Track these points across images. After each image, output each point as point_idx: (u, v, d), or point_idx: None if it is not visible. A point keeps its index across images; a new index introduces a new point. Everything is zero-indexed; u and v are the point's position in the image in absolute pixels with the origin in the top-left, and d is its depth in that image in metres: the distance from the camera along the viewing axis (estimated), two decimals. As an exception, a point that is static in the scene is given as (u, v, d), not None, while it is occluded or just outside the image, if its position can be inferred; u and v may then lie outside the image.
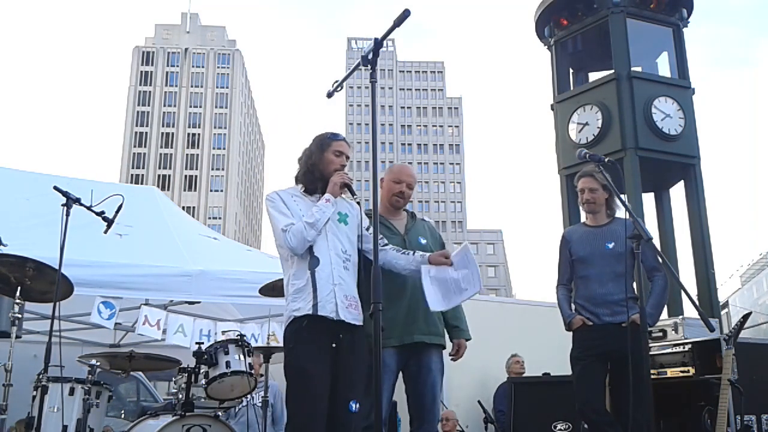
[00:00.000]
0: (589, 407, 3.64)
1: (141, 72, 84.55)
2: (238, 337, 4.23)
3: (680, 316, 4.98)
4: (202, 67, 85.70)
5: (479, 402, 6.13)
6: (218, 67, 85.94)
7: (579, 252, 3.85)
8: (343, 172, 3.03)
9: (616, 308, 3.67)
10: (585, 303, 3.79)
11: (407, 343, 3.36)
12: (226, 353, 4.06)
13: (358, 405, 2.82)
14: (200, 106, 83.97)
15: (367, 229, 3.04)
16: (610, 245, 3.74)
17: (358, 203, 3.07)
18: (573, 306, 3.89)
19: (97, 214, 3.73)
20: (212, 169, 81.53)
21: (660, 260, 3.66)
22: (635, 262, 3.60)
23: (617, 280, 3.71)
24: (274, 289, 4.46)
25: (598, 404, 3.63)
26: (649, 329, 4.33)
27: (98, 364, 4.26)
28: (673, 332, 4.56)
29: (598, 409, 3.62)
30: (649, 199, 6.91)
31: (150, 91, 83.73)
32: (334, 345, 2.84)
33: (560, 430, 5.01)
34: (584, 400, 3.66)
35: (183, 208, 24.44)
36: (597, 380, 3.66)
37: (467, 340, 3.61)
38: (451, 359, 3.59)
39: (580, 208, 3.99)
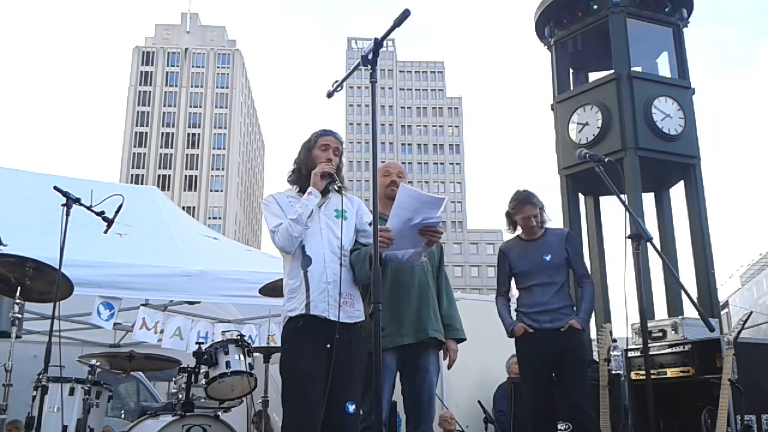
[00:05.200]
0: (538, 415, 3.95)
1: (141, 72, 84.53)
2: (238, 337, 4.23)
3: (680, 316, 4.98)
4: (202, 67, 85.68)
5: (479, 402, 6.13)
6: (218, 67, 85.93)
7: (519, 266, 4.11)
8: (324, 163, 2.97)
9: (555, 315, 3.96)
10: (528, 311, 4.04)
11: (422, 339, 3.39)
12: (226, 353, 4.06)
13: (354, 406, 2.81)
14: (200, 106, 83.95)
15: (370, 224, 3.02)
16: (547, 257, 4.02)
17: (339, 189, 2.95)
18: (514, 314, 4.16)
19: (97, 214, 3.73)
20: (212, 169, 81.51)
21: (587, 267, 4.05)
22: (568, 270, 4.10)
23: (557, 290, 4.01)
24: (274, 289, 4.46)
25: (541, 405, 3.94)
26: (649, 329, 4.35)
27: (98, 364, 4.26)
28: (673, 332, 4.56)
29: (538, 411, 3.94)
30: (649, 199, 6.90)
31: (150, 91, 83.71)
32: (329, 345, 2.81)
33: (560, 430, 5.01)
34: (532, 405, 3.99)
35: (183, 208, 24.48)
36: (542, 384, 3.95)
37: (462, 340, 3.64)
38: (447, 367, 3.65)
39: (523, 230, 4.15)
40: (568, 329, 3.92)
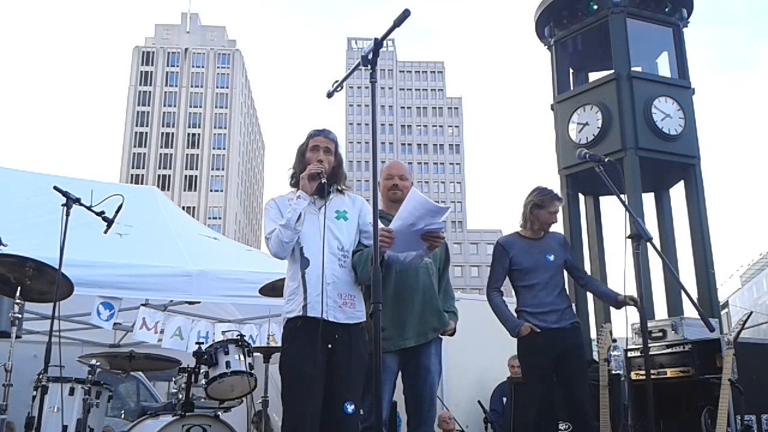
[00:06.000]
0: (542, 415, 3.93)
1: (141, 72, 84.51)
2: (238, 337, 4.23)
3: (680, 316, 4.98)
4: (202, 67, 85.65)
5: (479, 402, 6.13)
6: (218, 67, 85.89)
7: (523, 263, 4.08)
8: (313, 164, 2.97)
9: (561, 315, 4.00)
10: (533, 310, 4.02)
11: (422, 343, 3.40)
12: (226, 353, 4.06)
13: (353, 406, 2.81)
14: (200, 106, 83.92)
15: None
16: (551, 258, 4.05)
17: (324, 182, 2.95)
18: (515, 314, 4.11)
19: (97, 214, 3.73)
20: (212, 169, 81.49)
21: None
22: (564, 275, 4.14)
23: (560, 291, 4.05)
24: (274, 289, 4.46)
25: (546, 406, 3.91)
26: (649, 329, 4.36)
27: (98, 364, 4.26)
28: (673, 332, 4.56)
29: (542, 411, 3.92)
30: (649, 199, 6.89)
31: (150, 91, 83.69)
32: (330, 346, 2.82)
33: (560, 430, 5.01)
34: (537, 406, 3.95)
35: (183, 208, 24.44)
36: (547, 384, 3.94)
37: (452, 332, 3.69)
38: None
39: (543, 225, 4.15)
40: (573, 327, 3.99)
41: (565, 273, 4.20)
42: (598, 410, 3.99)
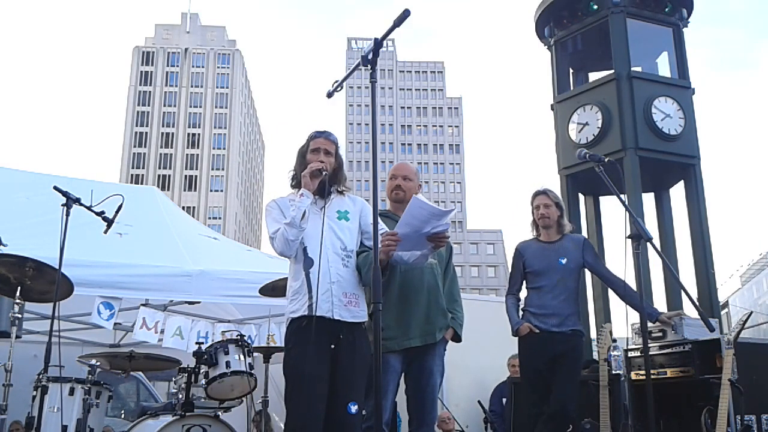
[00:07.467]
0: (537, 412, 3.97)
1: (141, 72, 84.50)
2: (238, 337, 4.23)
3: (680, 316, 4.97)
4: (202, 67, 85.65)
5: (479, 402, 6.14)
6: (218, 67, 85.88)
7: (534, 265, 4.13)
8: (313, 162, 2.99)
9: (564, 320, 4.01)
10: (536, 311, 4.06)
11: (429, 343, 3.39)
12: (226, 353, 4.07)
13: (356, 407, 2.81)
14: (200, 106, 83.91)
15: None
16: (563, 261, 4.08)
17: (326, 175, 2.96)
18: (521, 313, 4.18)
19: (97, 214, 3.73)
20: (212, 169, 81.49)
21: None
22: (580, 277, 4.21)
23: (568, 295, 4.06)
24: (274, 289, 4.47)
25: (541, 406, 3.94)
26: (649, 329, 4.36)
27: (98, 364, 4.26)
28: (673, 332, 4.55)
29: (538, 412, 3.95)
30: (649, 199, 6.89)
31: (150, 91, 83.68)
32: (333, 346, 2.83)
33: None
34: (532, 406, 4.04)
35: (183, 208, 24.44)
36: (542, 385, 3.97)
37: (459, 339, 3.67)
38: None
39: (538, 223, 4.25)
40: (574, 334, 3.99)
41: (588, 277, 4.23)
42: (598, 410, 3.99)
